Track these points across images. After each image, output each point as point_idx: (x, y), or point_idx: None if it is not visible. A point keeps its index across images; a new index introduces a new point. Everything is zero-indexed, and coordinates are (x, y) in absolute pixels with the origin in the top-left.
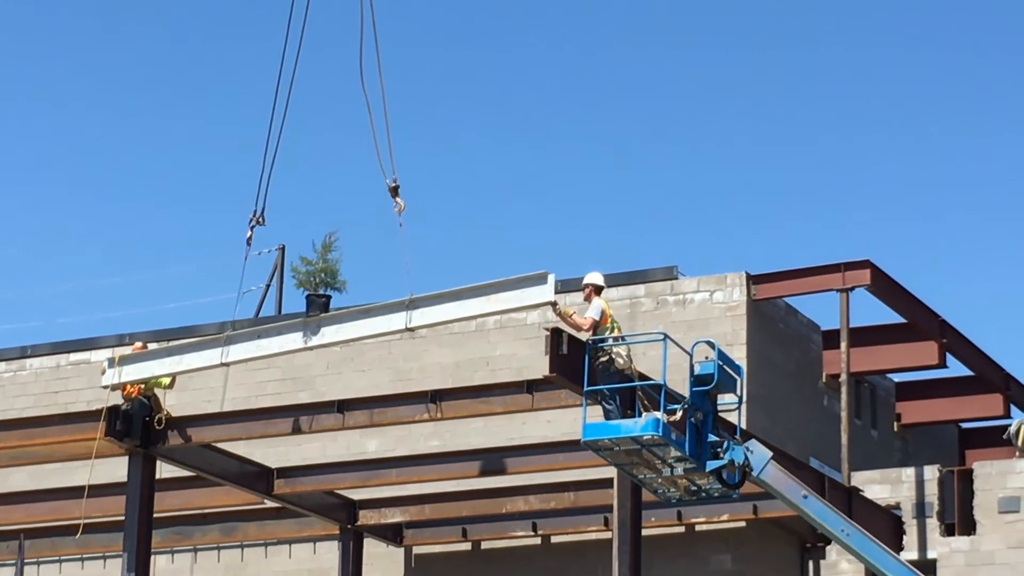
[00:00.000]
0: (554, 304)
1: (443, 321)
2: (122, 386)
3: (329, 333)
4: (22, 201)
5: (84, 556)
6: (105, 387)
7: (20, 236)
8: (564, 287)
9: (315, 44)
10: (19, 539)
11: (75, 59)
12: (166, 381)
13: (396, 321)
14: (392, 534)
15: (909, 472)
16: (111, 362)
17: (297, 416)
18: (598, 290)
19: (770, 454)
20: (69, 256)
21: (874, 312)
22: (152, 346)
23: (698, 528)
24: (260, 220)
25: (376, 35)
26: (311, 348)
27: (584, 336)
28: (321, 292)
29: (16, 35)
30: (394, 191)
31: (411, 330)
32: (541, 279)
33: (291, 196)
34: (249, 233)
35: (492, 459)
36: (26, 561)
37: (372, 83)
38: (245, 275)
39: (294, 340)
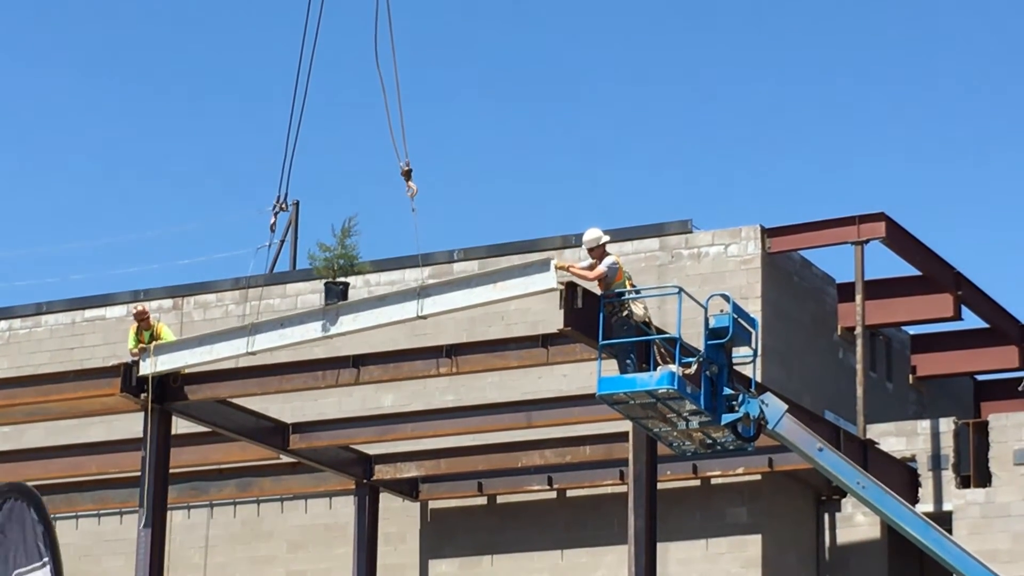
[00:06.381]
0: (557, 266)
1: (452, 309)
2: (137, 342)
3: (347, 322)
4: (38, 158)
5: (100, 512)
6: (143, 376)
7: (35, 193)
8: (579, 242)
9: (336, 24)
10: None
11: (99, 29)
12: (171, 336)
13: (408, 309)
14: (408, 488)
15: (924, 424)
16: (146, 353)
17: (313, 372)
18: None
19: (785, 407)
20: (84, 212)
21: (889, 264)
22: (165, 304)
23: (714, 481)
24: (284, 207)
25: (391, 20)
26: (331, 336)
27: (591, 287)
28: (339, 280)
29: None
30: (407, 175)
31: (423, 318)
32: (544, 265)
33: (312, 175)
34: (273, 219)
35: (507, 413)
36: None
37: (389, 67)
38: (258, 230)
39: (314, 329)
